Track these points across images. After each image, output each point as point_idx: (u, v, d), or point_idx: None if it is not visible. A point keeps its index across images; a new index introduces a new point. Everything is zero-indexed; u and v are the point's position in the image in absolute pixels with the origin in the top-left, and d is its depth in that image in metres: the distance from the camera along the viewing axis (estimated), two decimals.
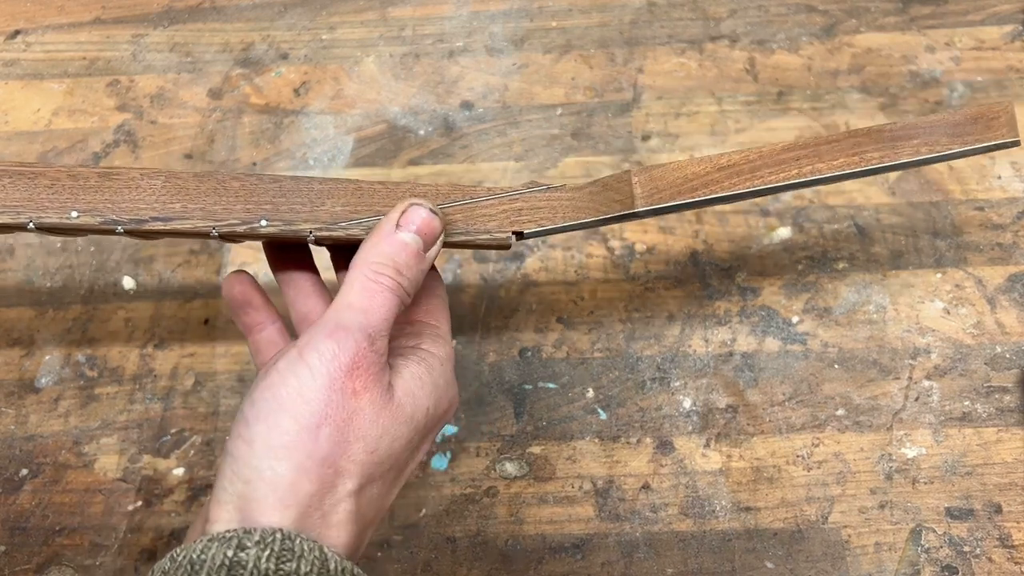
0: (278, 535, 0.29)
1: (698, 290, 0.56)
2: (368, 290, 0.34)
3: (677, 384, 0.52)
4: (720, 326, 0.54)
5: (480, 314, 0.56)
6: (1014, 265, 0.55)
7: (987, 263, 0.55)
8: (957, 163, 0.59)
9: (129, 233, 0.37)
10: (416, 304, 0.39)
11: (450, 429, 0.52)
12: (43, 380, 0.55)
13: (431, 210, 0.36)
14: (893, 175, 0.59)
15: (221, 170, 0.38)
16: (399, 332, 0.39)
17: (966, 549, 0.46)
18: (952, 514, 0.47)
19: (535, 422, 0.52)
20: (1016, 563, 0.45)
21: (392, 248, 0.35)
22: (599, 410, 0.52)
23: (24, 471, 0.52)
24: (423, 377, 0.35)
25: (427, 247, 0.36)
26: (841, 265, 0.56)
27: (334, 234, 0.37)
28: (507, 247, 0.39)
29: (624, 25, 0.69)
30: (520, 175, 0.61)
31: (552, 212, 0.38)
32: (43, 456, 0.52)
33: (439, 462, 0.51)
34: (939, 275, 0.55)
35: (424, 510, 0.49)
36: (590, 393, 0.52)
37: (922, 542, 0.46)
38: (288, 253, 0.41)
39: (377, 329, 0.33)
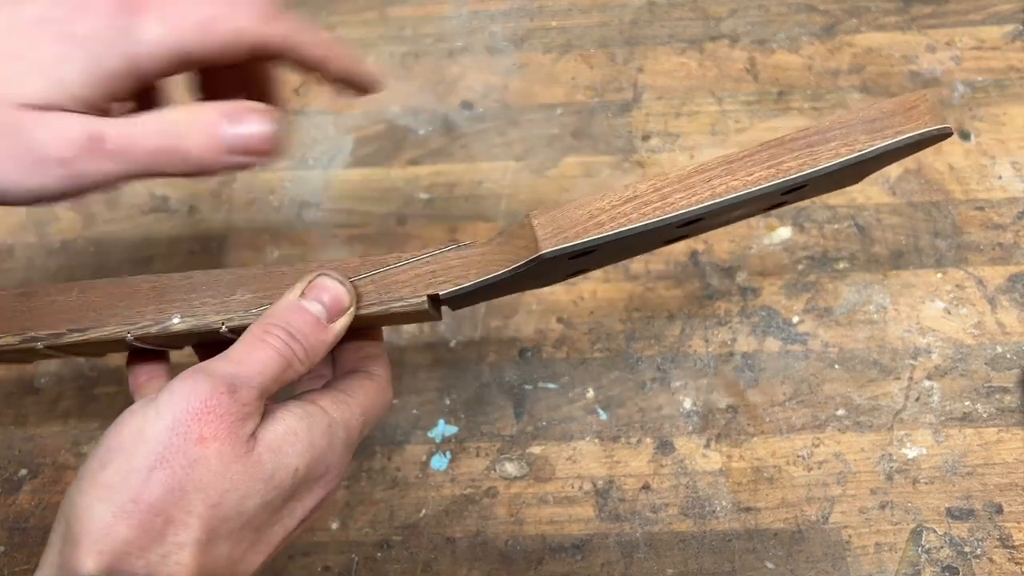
0: None
1: (698, 290, 0.56)
2: (249, 345, 0.33)
3: (677, 384, 0.52)
4: (720, 326, 0.54)
5: (480, 314, 0.56)
6: (1015, 265, 0.55)
7: (988, 263, 0.55)
8: (957, 163, 0.59)
9: (50, 348, 0.37)
10: (341, 377, 0.38)
11: (450, 429, 0.52)
12: (43, 380, 0.55)
13: (339, 280, 0.35)
14: (893, 175, 0.59)
15: (131, 277, 0.38)
16: (304, 386, 0.37)
17: (967, 549, 0.46)
18: (953, 514, 0.47)
19: (535, 422, 0.52)
20: (1017, 563, 0.45)
21: (288, 312, 0.34)
22: (599, 410, 0.52)
23: (24, 471, 0.52)
24: (299, 434, 0.33)
25: (332, 318, 0.34)
26: (841, 265, 0.56)
27: (246, 322, 0.36)
28: (425, 313, 0.37)
29: (624, 25, 0.69)
30: (520, 175, 0.61)
31: (465, 269, 0.37)
32: (43, 456, 0.52)
33: (439, 462, 0.51)
34: (939, 275, 0.55)
35: (424, 510, 0.49)
36: (590, 393, 0.52)
37: (922, 542, 0.46)
38: (212, 350, 0.40)
39: (244, 380, 0.31)
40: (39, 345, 0.37)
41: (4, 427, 0.54)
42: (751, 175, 0.35)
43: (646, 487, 0.49)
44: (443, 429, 0.52)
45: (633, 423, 0.51)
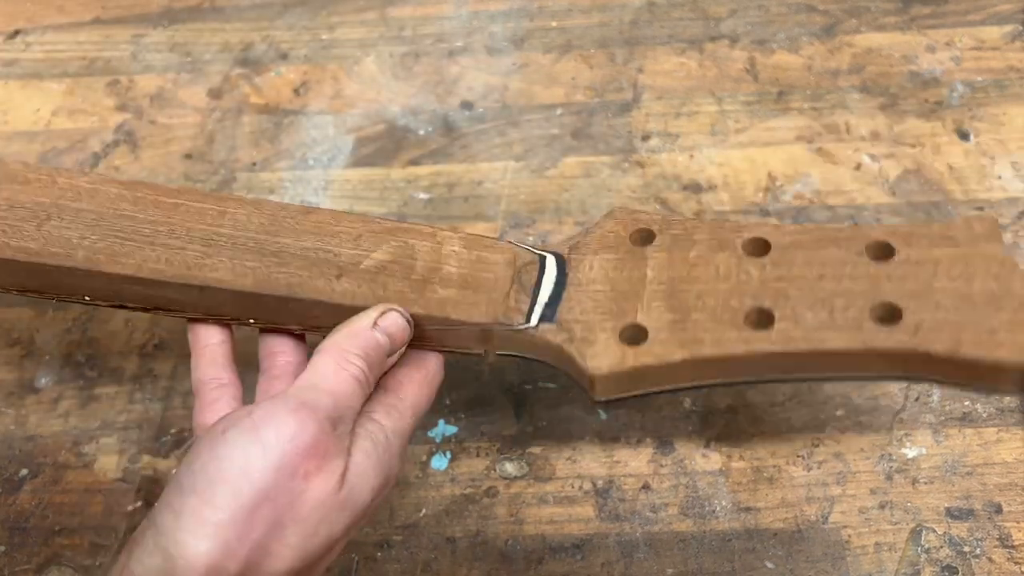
0: None
1: None
2: (338, 375, 0.34)
3: None
4: None
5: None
6: None
7: None
8: (957, 163, 0.59)
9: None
10: (390, 376, 0.38)
11: (450, 429, 0.52)
12: (43, 380, 0.55)
13: (407, 320, 0.37)
14: (893, 175, 0.59)
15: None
16: None
17: (966, 549, 0.46)
18: (952, 514, 0.47)
19: (535, 422, 0.52)
20: (1016, 563, 0.45)
21: (366, 342, 0.35)
22: (599, 410, 0.52)
23: (24, 471, 0.52)
24: (369, 453, 0.34)
25: (391, 352, 0.37)
26: None
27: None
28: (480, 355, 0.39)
29: (624, 25, 0.69)
30: (520, 175, 0.61)
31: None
32: (43, 456, 0.52)
33: (439, 462, 0.51)
34: None
35: (424, 510, 0.49)
36: None
37: (922, 542, 0.46)
38: None
39: (341, 414, 0.33)
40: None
41: (4, 427, 0.54)
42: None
43: (646, 487, 0.49)
44: (443, 429, 0.52)
45: (633, 423, 0.51)
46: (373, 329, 0.36)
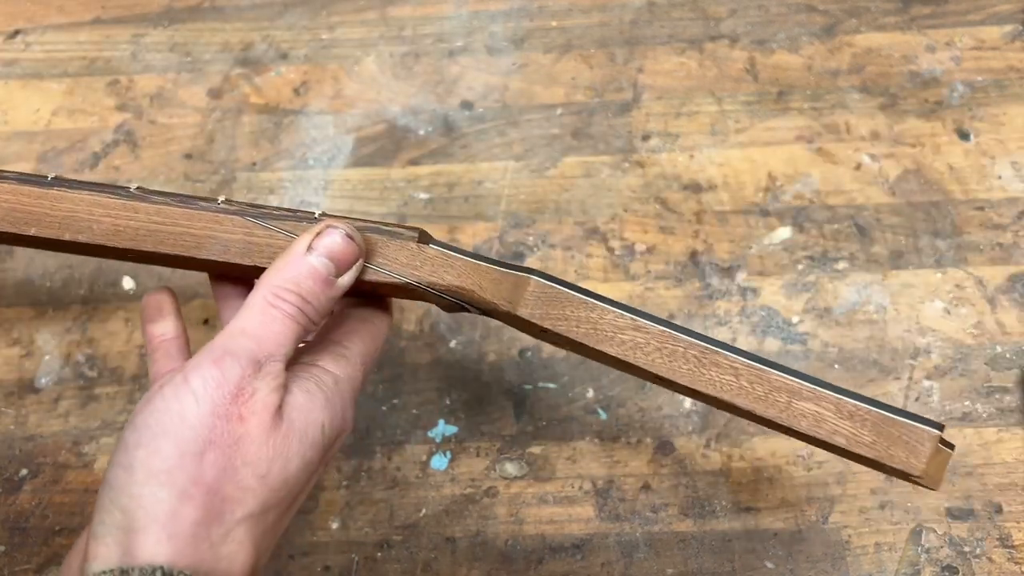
0: (158, 573, 0.28)
1: (698, 290, 0.56)
2: (265, 315, 0.33)
3: None
4: (720, 326, 0.54)
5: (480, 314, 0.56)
6: (1014, 265, 0.55)
7: (987, 263, 0.55)
8: (957, 163, 0.59)
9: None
10: (335, 324, 0.38)
11: (450, 429, 0.52)
12: (43, 380, 0.55)
13: (347, 234, 0.35)
14: (893, 175, 0.59)
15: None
16: (301, 348, 0.38)
17: (966, 549, 0.46)
18: (952, 514, 0.47)
19: (535, 422, 0.52)
20: (1016, 563, 0.45)
21: (298, 272, 0.34)
22: (599, 410, 0.52)
23: (24, 471, 0.52)
24: (312, 391, 0.34)
25: (339, 273, 0.35)
26: (841, 265, 0.56)
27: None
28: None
29: (624, 25, 0.69)
30: (520, 175, 0.61)
31: (458, 274, 0.38)
32: (43, 456, 0.52)
33: (439, 462, 0.51)
34: (939, 275, 0.55)
35: (424, 510, 0.49)
36: (590, 393, 0.52)
37: (922, 542, 0.46)
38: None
39: (268, 355, 0.32)
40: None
41: (4, 427, 0.54)
42: (741, 386, 0.34)
43: (646, 487, 0.49)
44: (443, 429, 0.52)
45: (633, 423, 0.51)
46: (307, 254, 0.34)
